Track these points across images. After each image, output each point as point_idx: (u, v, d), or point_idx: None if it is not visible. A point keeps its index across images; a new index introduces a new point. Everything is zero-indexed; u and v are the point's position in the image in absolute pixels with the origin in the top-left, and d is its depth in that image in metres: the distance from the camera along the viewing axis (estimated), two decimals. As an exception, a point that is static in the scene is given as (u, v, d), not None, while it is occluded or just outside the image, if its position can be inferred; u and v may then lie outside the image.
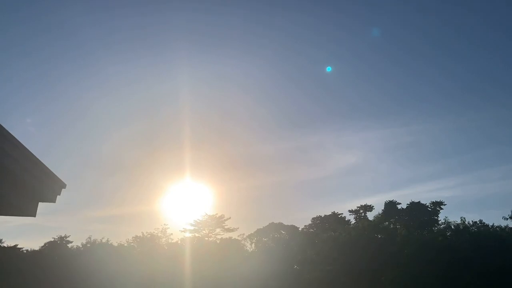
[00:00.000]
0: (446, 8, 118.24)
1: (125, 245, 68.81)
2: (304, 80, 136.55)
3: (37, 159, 5.28)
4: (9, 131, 4.67)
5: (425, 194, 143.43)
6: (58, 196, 6.07)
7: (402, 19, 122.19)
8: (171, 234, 73.77)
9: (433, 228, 74.40)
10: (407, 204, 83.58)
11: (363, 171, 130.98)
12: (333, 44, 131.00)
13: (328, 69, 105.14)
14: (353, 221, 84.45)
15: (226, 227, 76.67)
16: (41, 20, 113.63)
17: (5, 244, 61.59)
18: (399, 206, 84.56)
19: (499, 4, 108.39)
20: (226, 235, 74.98)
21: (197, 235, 74.54)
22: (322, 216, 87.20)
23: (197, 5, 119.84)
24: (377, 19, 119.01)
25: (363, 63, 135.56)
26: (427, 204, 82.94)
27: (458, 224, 53.04)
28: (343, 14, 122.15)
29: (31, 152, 5.12)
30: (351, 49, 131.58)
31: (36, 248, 66.25)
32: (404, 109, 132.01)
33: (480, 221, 64.40)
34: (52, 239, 72.14)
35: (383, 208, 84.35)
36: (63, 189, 6.05)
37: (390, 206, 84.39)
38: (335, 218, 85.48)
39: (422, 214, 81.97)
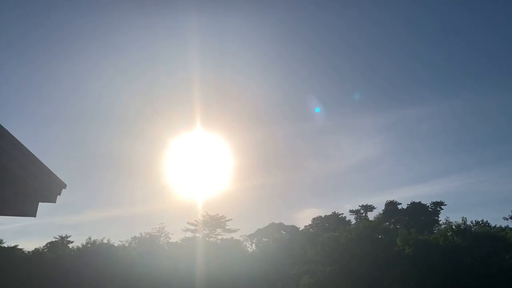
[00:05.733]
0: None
1: (126, 245, 68.86)
2: (302, 72, 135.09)
3: (37, 159, 5.27)
4: (9, 131, 4.67)
5: (425, 194, 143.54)
6: (58, 196, 6.06)
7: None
8: (172, 234, 73.82)
9: (434, 229, 74.43)
10: (408, 204, 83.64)
11: (363, 171, 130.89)
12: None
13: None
14: (353, 221, 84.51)
15: (227, 227, 76.72)
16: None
17: (5, 245, 61.61)
18: (399, 206, 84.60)
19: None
20: (227, 235, 75.05)
21: (197, 235, 74.55)
22: (323, 216, 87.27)
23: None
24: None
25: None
26: (427, 204, 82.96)
27: (459, 224, 52.98)
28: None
29: (31, 152, 5.12)
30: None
31: (37, 248, 66.31)
32: (402, 107, 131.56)
33: (481, 221, 64.47)
34: (53, 239, 72.27)
35: (383, 208, 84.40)
36: (63, 189, 6.05)
37: (391, 206, 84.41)
38: (336, 218, 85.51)
39: (423, 214, 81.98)
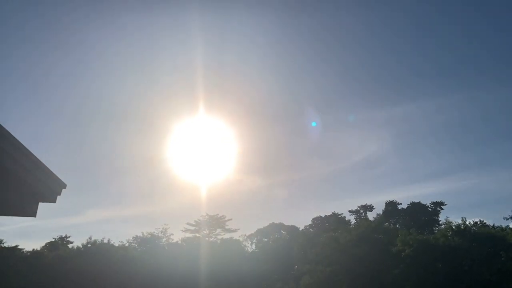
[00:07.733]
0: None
1: (126, 245, 68.90)
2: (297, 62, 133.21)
3: (38, 159, 5.27)
4: (9, 130, 4.67)
5: (425, 194, 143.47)
6: (58, 196, 6.06)
7: None
8: (172, 234, 73.86)
9: (434, 229, 74.44)
10: (408, 204, 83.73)
11: (363, 170, 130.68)
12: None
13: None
14: (353, 221, 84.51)
15: (227, 227, 76.83)
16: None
17: (5, 245, 61.63)
18: (399, 206, 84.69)
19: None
20: (227, 235, 75.14)
21: (197, 235, 74.60)
22: (323, 216, 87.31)
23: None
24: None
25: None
26: (427, 204, 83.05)
27: (459, 224, 52.98)
28: None
29: (31, 152, 5.11)
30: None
31: (37, 248, 66.37)
32: (403, 104, 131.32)
33: (481, 221, 64.39)
34: (53, 239, 72.28)
35: (383, 208, 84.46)
36: (63, 189, 6.04)
37: (391, 206, 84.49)
38: (336, 218, 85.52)
39: (423, 214, 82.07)
